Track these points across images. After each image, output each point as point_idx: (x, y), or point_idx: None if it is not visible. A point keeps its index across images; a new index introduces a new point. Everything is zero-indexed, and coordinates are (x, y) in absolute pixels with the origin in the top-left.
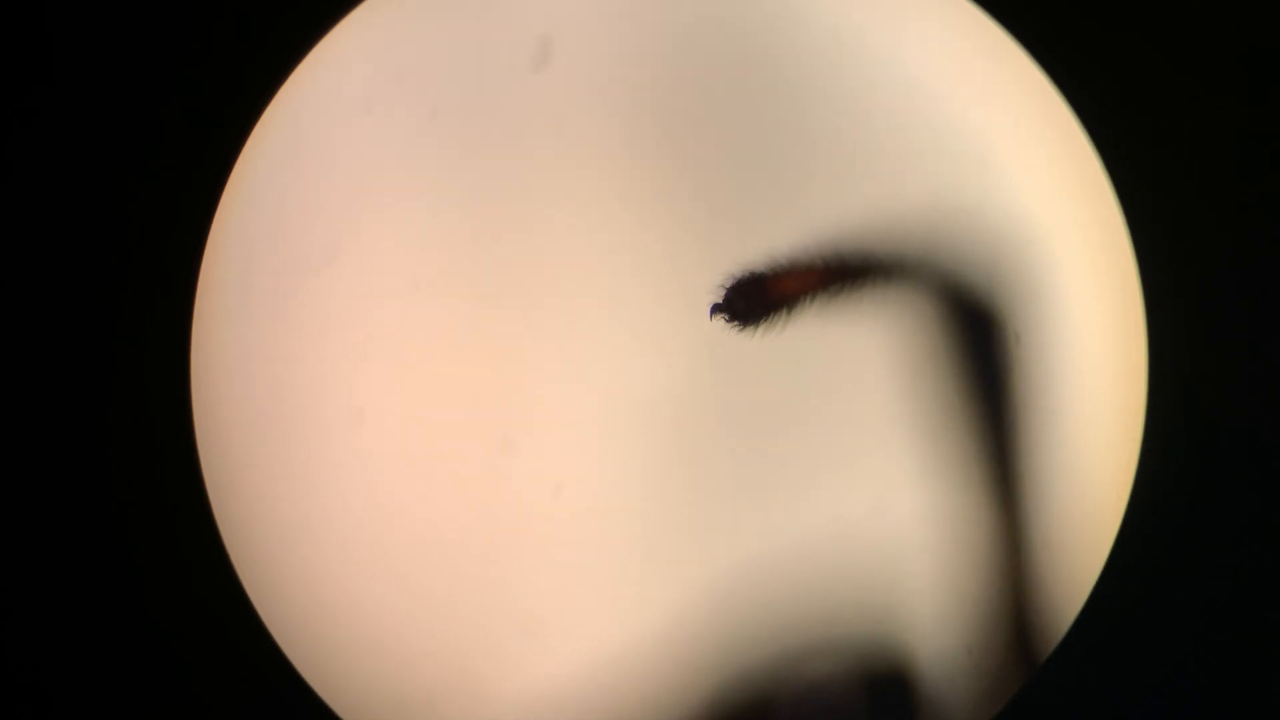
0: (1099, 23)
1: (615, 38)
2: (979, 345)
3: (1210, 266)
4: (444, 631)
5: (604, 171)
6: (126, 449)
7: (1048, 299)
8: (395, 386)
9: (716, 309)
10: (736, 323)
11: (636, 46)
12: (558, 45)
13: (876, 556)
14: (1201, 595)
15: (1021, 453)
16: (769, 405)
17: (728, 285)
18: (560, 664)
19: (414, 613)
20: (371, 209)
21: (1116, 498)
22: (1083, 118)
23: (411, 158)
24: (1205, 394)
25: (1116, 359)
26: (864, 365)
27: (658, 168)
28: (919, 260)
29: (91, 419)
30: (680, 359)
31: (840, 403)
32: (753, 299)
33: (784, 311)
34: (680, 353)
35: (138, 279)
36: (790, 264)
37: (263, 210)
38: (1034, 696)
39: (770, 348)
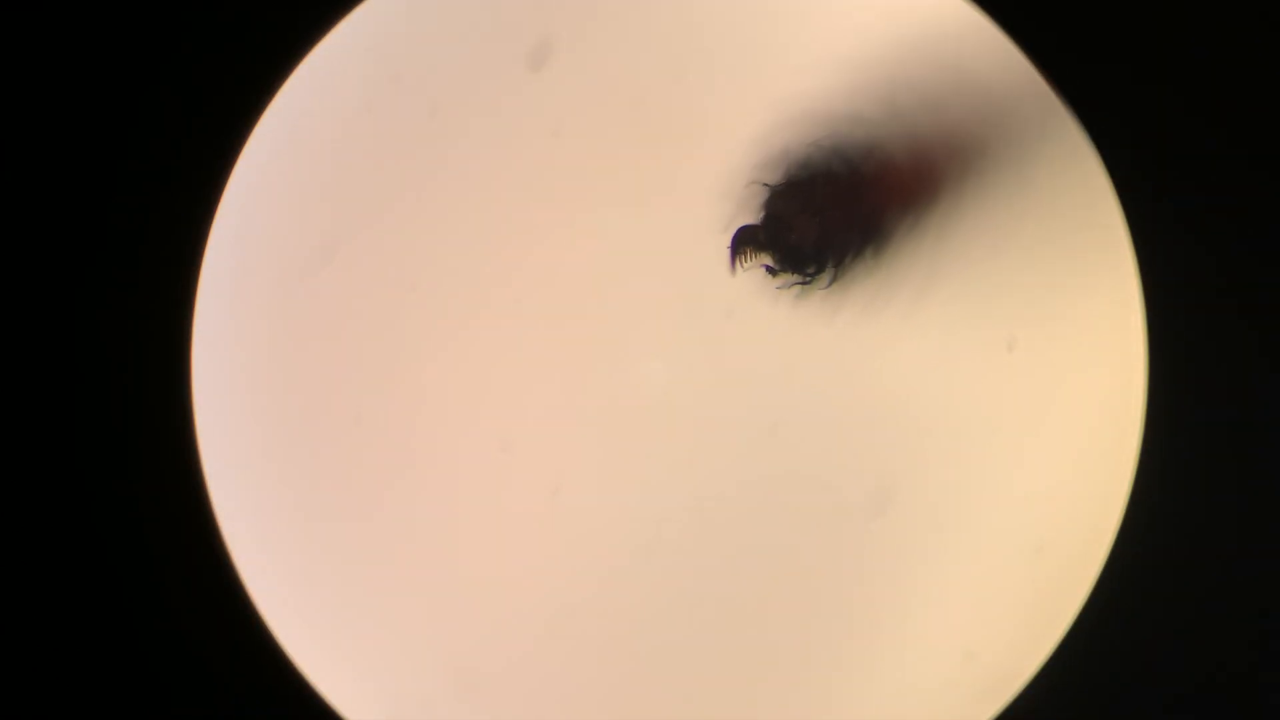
0: (1099, 24)
1: (614, 37)
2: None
3: (1210, 267)
4: (443, 631)
5: (604, 171)
6: (126, 449)
7: (1046, 299)
8: (393, 386)
9: (742, 241)
10: (774, 261)
11: (636, 45)
12: (556, 45)
13: (877, 551)
14: (1201, 596)
15: None
16: (771, 404)
17: (762, 198)
18: (560, 663)
19: (413, 612)
20: (371, 209)
21: (1116, 498)
22: (1083, 118)
23: (411, 157)
24: (1205, 394)
25: (1115, 360)
26: (870, 358)
27: (658, 167)
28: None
29: (92, 419)
30: (681, 359)
31: (845, 401)
32: (801, 221)
33: (852, 243)
34: (681, 353)
35: (138, 279)
36: (858, 158)
37: (262, 210)
38: (1034, 696)
39: (771, 343)
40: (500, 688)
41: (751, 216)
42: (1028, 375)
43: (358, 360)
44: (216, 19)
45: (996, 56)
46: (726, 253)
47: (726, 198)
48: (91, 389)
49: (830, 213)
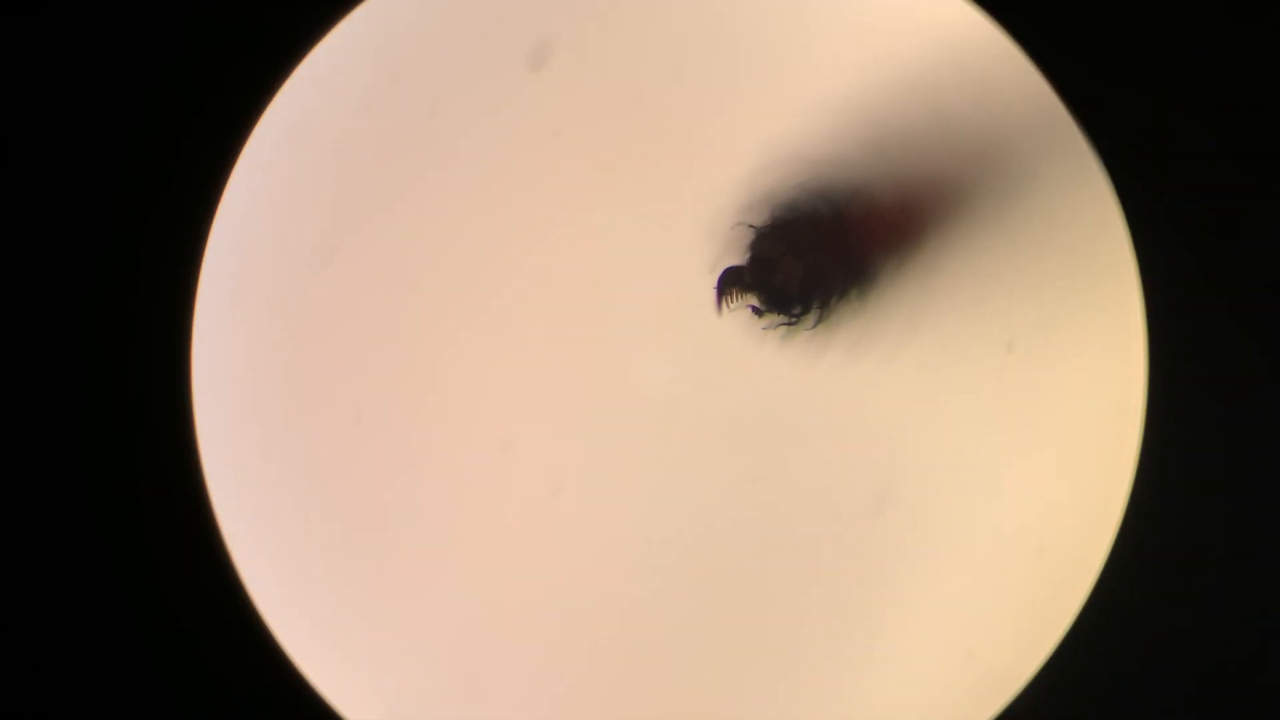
0: (1100, 24)
1: (615, 37)
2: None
3: (1211, 267)
4: (444, 631)
5: (604, 171)
6: (127, 449)
7: (1046, 300)
8: (393, 386)
9: (728, 281)
10: (760, 302)
11: (636, 45)
12: (556, 45)
13: (877, 552)
14: (1201, 596)
15: None
16: (772, 404)
17: (747, 240)
18: (561, 663)
19: (414, 612)
20: (371, 209)
21: (1116, 499)
22: (1082, 118)
23: (411, 157)
24: (1205, 395)
25: (1116, 360)
26: (872, 356)
27: (659, 167)
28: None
29: (92, 419)
30: (682, 358)
31: (845, 402)
32: (786, 263)
33: (837, 284)
34: (682, 352)
35: (138, 278)
36: (844, 203)
37: (262, 210)
38: (1034, 696)
39: (772, 344)
40: (501, 688)
41: (737, 258)
42: (1028, 376)
43: (358, 360)
44: (216, 19)
45: (996, 57)
46: (713, 293)
47: (713, 239)
48: (91, 389)
49: (815, 255)
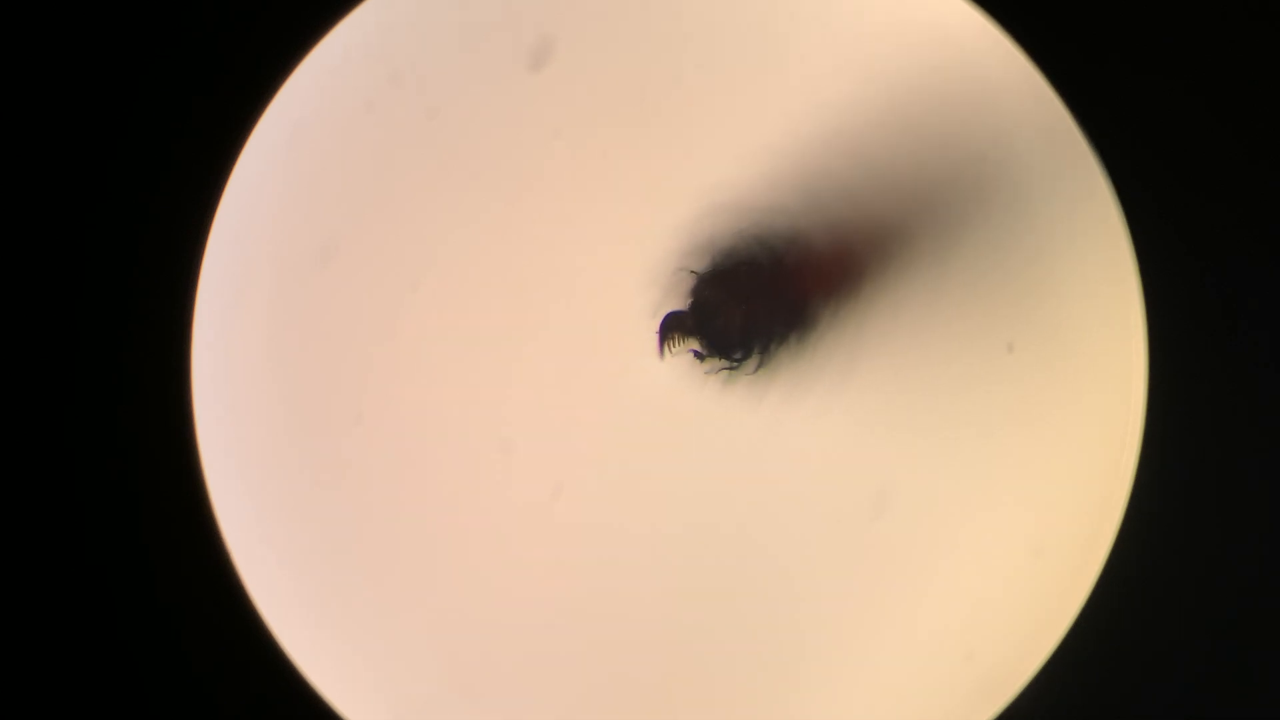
0: (1100, 24)
1: (615, 37)
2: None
3: (1211, 268)
4: (444, 631)
5: (605, 171)
6: (126, 449)
7: (1045, 302)
8: (393, 387)
9: (670, 326)
10: (701, 347)
11: (637, 45)
12: (556, 45)
13: (877, 553)
14: (1201, 598)
15: None
16: (772, 404)
17: (689, 285)
18: (562, 664)
19: (414, 612)
20: (371, 209)
21: (1116, 500)
22: (1082, 118)
23: (411, 157)
24: (1205, 397)
25: (1115, 361)
26: (870, 356)
27: (660, 167)
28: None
29: (91, 419)
30: (681, 358)
31: (846, 401)
32: (727, 309)
33: (776, 332)
34: (682, 351)
35: (138, 278)
36: (780, 253)
37: (263, 210)
38: (1034, 697)
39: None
40: (501, 689)
41: (679, 303)
42: (1027, 377)
43: (358, 360)
44: (216, 19)
45: (995, 56)
46: (655, 338)
47: (655, 284)
48: (91, 389)
49: (755, 301)
